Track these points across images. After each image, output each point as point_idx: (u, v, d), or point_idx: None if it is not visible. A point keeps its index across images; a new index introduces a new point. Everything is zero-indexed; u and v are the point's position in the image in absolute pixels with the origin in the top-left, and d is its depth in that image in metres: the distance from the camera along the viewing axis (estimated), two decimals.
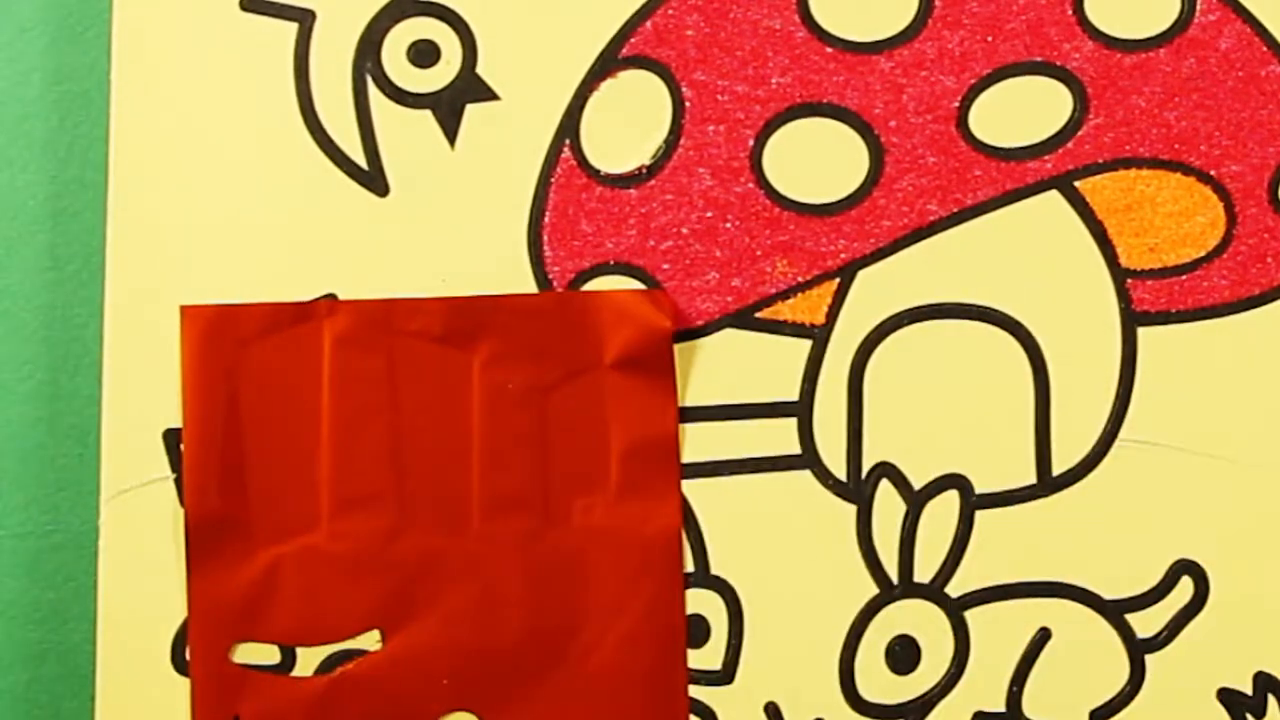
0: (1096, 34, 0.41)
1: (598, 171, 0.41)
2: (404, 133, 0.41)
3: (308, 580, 0.40)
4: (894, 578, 0.41)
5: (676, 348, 0.41)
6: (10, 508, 0.41)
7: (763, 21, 0.41)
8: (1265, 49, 0.41)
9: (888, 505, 0.41)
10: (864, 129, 0.41)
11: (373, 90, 0.41)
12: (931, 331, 0.41)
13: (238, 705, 0.40)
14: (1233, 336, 0.41)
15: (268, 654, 0.41)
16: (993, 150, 0.41)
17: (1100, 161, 0.41)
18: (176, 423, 0.40)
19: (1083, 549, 0.41)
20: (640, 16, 0.41)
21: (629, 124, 0.41)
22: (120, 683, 0.40)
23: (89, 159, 0.41)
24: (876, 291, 0.41)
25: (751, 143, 0.41)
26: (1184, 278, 0.41)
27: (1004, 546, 0.41)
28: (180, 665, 0.40)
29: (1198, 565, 0.41)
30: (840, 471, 0.41)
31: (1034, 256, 0.41)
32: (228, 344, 0.40)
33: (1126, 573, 0.41)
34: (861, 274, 0.41)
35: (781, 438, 0.41)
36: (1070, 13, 0.41)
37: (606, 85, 0.41)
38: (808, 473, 0.41)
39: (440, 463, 0.40)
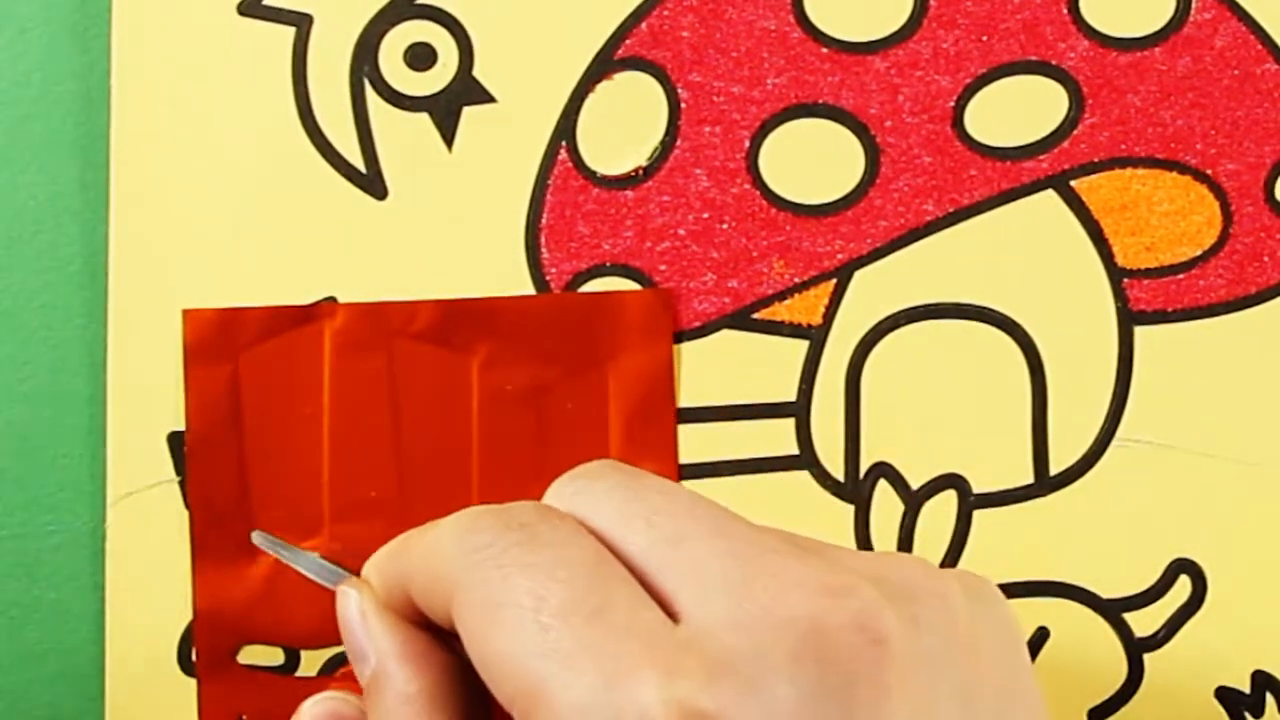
0: (1092, 33, 0.41)
1: (594, 173, 0.41)
2: (401, 136, 0.41)
3: (311, 583, 0.40)
4: None
5: (673, 349, 0.41)
6: (10, 508, 0.41)
7: (758, 22, 0.41)
8: (1261, 47, 0.41)
9: (886, 505, 0.41)
10: (860, 129, 0.41)
11: (370, 93, 0.41)
12: (928, 332, 0.41)
13: (242, 706, 0.41)
14: (1229, 335, 0.41)
15: (272, 655, 0.41)
16: (988, 150, 0.41)
17: (1096, 161, 0.41)
18: (181, 425, 0.40)
19: (1080, 548, 0.41)
20: (635, 18, 0.41)
21: (625, 126, 0.41)
22: (128, 684, 0.40)
23: (89, 159, 0.41)
24: (873, 292, 0.41)
25: (747, 144, 0.41)
26: (1180, 277, 0.41)
27: (1002, 546, 0.41)
28: (186, 666, 0.41)
29: (1195, 564, 0.41)
30: (838, 472, 0.41)
31: (1030, 256, 0.41)
32: (229, 347, 0.40)
33: (1124, 572, 0.41)
34: (858, 274, 0.41)
35: (779, 438, 0.41)
36: (1065, 12, 0.41)
37: (602, 87, 0.41)
38: (805, 473, 0.41)
39: (440, 465, 0.41)
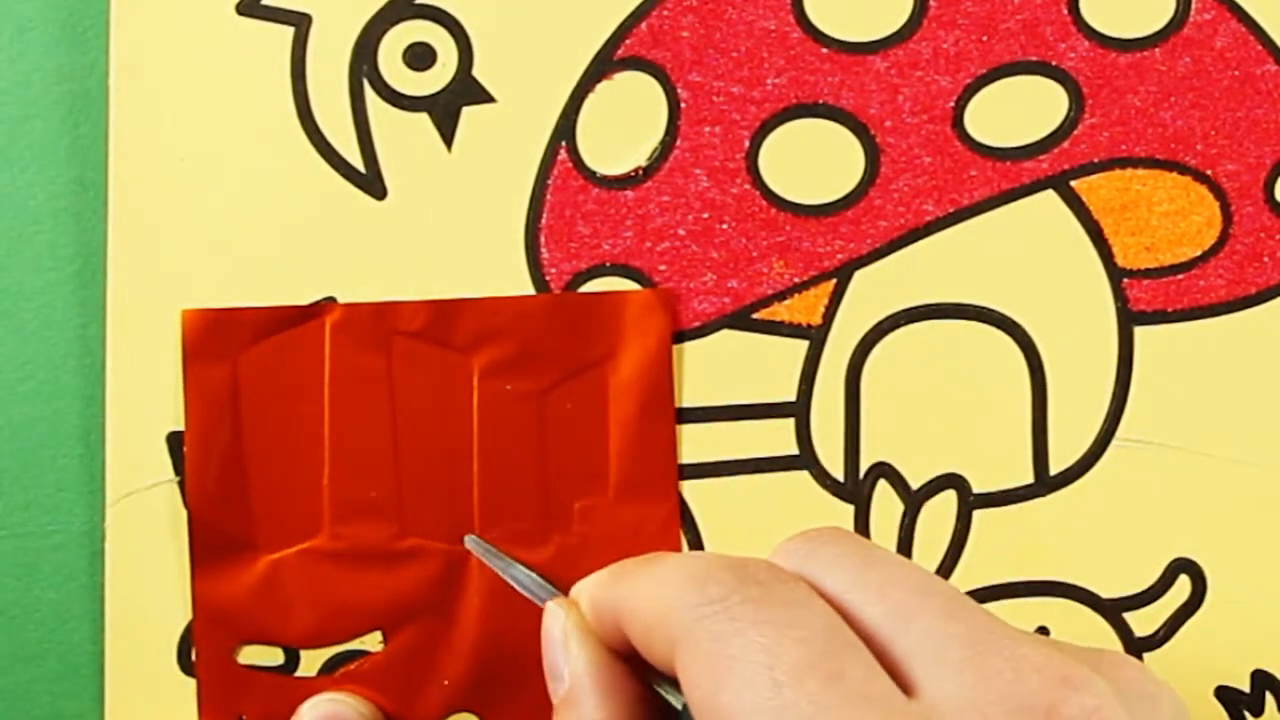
0: (1092, 33, 0.41)
1: (594, 173, 0.41)
2: (401, 136, 0.41)
3: (310, 582, 0.41)
4: None
5: (673, 349, 0.41)
6: (10, 508, 0.41)
7: (758, 22, 0.41)
8: (1260, 48, 0.41)
9: (885, 505, 0.41)
10: (860, 129, 0.41)
11: (369, 93, 0.41)
12: (928, 332, 0.41)
13: (242, 705, 0.41)
14: (1229, 335, 0.41)
15: (271, 655, 0.41)
16: (989, 150, 0.41)
17: (1096, 161, 0.41)
18: (180, 425, 0.40)
19: (1080, 548, 0.41)
20: (635, 18, 0.41)
21: (625, 126, 0.41)
22: (127, 684, 0.40)
23: (89, 159, 0.41)
24: (873, 292, 0.41)
25: (747, 144, 0.41)
26: (1180, 277, 0.41)
27: (1002, 546, 0.41)
28: (186, 666, 0.41)
29: (1195, 564, 0.41)
30: (838, 472, 0.41)
31: (1030, 256, 0.41)
32: (228, 347, 0.40)
33: (1124, 571, 0.41)
34: (858, 274, 0.41)
35: (779, 438, 0.41)
36: (1066, 12, 0.41)
37: (602, 87, 0.41)
38: (805, 473, 0.41)
39: (440, 464, 0.41)
